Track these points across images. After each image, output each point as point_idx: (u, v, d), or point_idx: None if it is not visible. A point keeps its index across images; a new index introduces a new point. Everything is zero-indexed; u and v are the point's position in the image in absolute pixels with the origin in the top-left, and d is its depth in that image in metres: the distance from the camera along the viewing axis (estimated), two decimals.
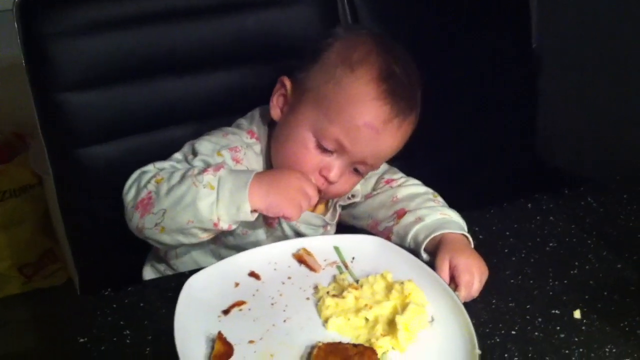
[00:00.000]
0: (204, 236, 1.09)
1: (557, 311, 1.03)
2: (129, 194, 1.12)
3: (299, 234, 1.22)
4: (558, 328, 1.00)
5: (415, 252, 1.13)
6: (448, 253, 1.08)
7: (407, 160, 1.66)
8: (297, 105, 1.15)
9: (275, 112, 1.19)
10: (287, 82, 1.18)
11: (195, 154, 1.16)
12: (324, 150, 1.13)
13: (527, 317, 1.02)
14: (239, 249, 1.14)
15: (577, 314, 1.02)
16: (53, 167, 1.32)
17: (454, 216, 1.17)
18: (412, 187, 1.24)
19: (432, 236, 1.12)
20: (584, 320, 1.01)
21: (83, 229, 1.37)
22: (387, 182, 1.27)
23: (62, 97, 1.26)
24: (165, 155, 1.18)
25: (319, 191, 1.14)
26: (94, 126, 1.30)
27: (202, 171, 1.06)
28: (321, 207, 1.26)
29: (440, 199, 1.23)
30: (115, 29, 1.28)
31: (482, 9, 1.84)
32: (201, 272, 1.04)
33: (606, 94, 2.18)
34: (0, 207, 2.34)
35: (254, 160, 1.20)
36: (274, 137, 1.20)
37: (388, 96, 1.10)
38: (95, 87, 1.28)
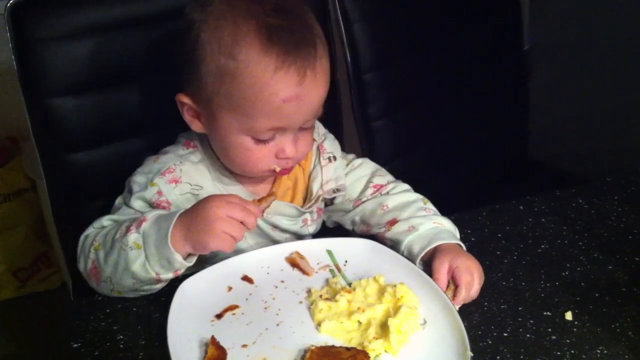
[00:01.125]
0: (159, 286, 1.07)
1: (548, 313, 1.03)
2: (80, 264, 1.10)
3: (275, 226, 1.21)
4: (550, 330, 1.00)
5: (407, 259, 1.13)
6: (446, 257, 1.08)
7: (398, 161, 1.69)
8: (211, 114, 1.10)
9: (196, 125, 1.14)
10: (185, 99, 1.12)
11: (131, 192, 1.14)
12: (265, 141, 1.10)
13: (519, 319, 1.02)
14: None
15: (568, 316, 1.03)
16: (45, 171, 1.32)
17: (446, 224, 1.17)
18: (402, 195, 1.23)
19: (427, 249, 1.11)
20: (575, 322, 1.01)
21: (76, 233, 1.37)
22: (376, 187, 1.26)
23: (54, 102, 1.26)
24: None
25: (289, 169, 1.14)
26: (86, 130, 1.30)
27: (127, 231, 1.03)
28: (299, 198, 1.25)
29: (430, 205, 1.22)
30: (106, 34, 1.28)
31: (473, 10, 1.85)
32: (194, 276, 1.05)
33: (598, 96, 2.20)
34: None
35: (193, 171, 1.16)
36: (215, 148, 1.16)
37: (285, 58, 1.02)
38: (87, 91, 1.28)
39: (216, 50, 1.04)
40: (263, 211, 1.07)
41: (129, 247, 1.02)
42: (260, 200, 1.08)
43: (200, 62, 1.06)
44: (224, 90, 1.06)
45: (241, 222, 1.01)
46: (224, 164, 1.17)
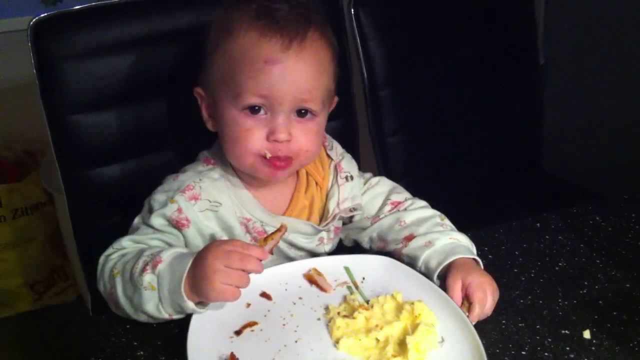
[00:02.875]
0: (172, 318, 1.05)
1: (566, 331, 1.03)
2: (100, 286, 1.11)
3: (291, 244, 1.21)
4: (568, 348, 1.00)
5: (425, 274, 1.14)
6: (460, 273, 1.09)
7: (413, 176, 1.69)
8: (214, 101, 1.15)
9: (209, 123, 1.19)
10: (199, 90, 1.18)
11: (151, 211, 1.14)
12: (255, 113, 1.10)
13: (537, 337, 1.02)
14: None
15: (586, 334, 1.02)
16: (66, 185, 1.33)
17: (463, 240, 1.17)
18: (419, 211, 1.24)
19: (445, 264, 1.11)
20: (594, 341, 1.01)
21: (95, 247, 1.38)
22: (394, 204, 1.26)
23: (74, 118, 1.28)
24: None
25: (289, 159, 1.12)
26: (106, 146, 1.31)
27: (142, 270, 1.03)
28: (315, 216, 1.25)
29: (448, 222, 1.22)
30: (126, 51, 1.29)
31: (487, 26, 1.86)
32: None
33: (613, 110, 2.19)
34: (12, 224, 2.36)
35: (212, 188, 1.16)
36: (221, 141, 1.17)
37: (271, 28, 1.08)
38: (107, 107, 1.30)
39: (219, 34, 1.12)
40: (271, 250, 1.04)
41: (144, 287, 1.02)
42: (266, 239, 1.05)
43: (208, 51, 1.14)
44: (220, 66, 1.11)
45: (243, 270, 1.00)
46: (227, 158, 1.17)
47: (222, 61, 1.11)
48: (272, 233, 1.06)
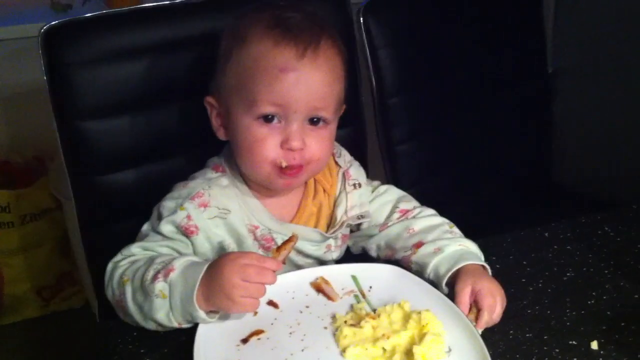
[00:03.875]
0: (181, 327, 1.05)
1: (574, 342, 1.03)
2: (108, 293, 1.11)
3: (299, 251, 1.21)
4: (575, 359, 0.99)
5: (433, 282, 1.14)
6: (470, 278, 1.09)
7: (422, 184, 1.69)
8: (226, 108, 1.15)
9: (220, 132, 1.18)
10: (210, 99, 1.18)
11: (160, 218, 1.15)
12: (268, 121, 1.10)
13: (545, 347, 1.02)
14: None
15: (594, 345, 1.02)
16: (75, 192, 1.33)
17: (471, 247, 1.17)
18: (428, 219, 1.24)
19: (454, 270, 1.11)
20: (601, 352, 1.01)
21: (103, 253, 1.38)
22: (402, 212, 1.26)
23: (84, 125, 1.28)
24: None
25: (300, 166, 1.12)
26: (116, 153, 1.32)
27: (154, 278, 1.03)
28: (323, 223, 1.25)
29: (456, 229, 1.22)
30: (136, 58, 1.30)
31: (497, 36, 1.86)
32: None
33: (622, 120, 2.19)
34: (21, 230, 2.36)
35: (220, 195, 1.16)
36: (234, 150, 1.17)
37: (285, 36, 1.08)
38: (117, 114, 1.30)
39: (232, 43, 1.12)
40: (283, 260, 1.05)
41: (155, 295, 1.02)
42: (279, 249, 1.05)
43: (220, 61, 1.14)
44: (235, 76, 1.11)
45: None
46: (241, 168, 1.17)
47: (235, 70, 1.12)
48: (284, 243, 1.06)
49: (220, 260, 1.02)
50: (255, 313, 1.06)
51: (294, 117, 1.10)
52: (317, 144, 1.13)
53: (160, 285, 1.02)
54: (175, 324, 1.03)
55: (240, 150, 1.14)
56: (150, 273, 1.04)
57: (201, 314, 1.00)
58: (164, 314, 1.02)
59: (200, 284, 1.00)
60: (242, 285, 0.99)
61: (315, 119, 1.12)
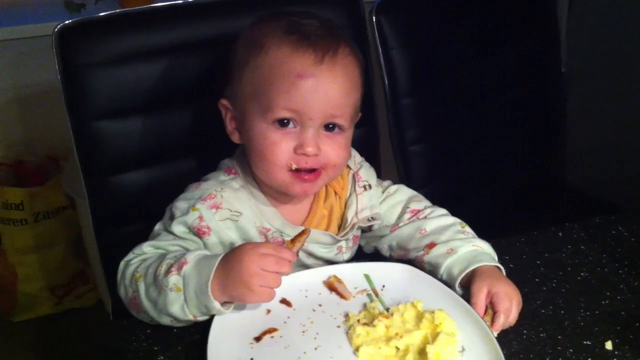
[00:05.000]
0: (196, 320, 1.06)
1: (588, 342, 1.03)
2: (120, 291, 1.11)
3: (310, 254, 1.21)
4: (589, 359, 0.99)
5: (446, 283, 1.13)
6: (485, 281, 1.08)
7: (434, 184, 1.69)
8: (243, 115, 1.15)
9: (234, 136, 1.19)
10: (225, 102, 1.18)
11: (172, 218, 1.15)
12: (284, 126, 1.10)
13: (558, 347, 1.02)
14: None
15: (608, 345, 1.02)
16: (89, 191, 1.34)
17: (485, 247, 1.17)
18: (440, 219, 1.23)
19: (467, 271, 1.11)
20: (616, 352, 1.00)
21: (116, 252, 1.39)
22: (413, 212, 1.26)
23: (98, 125, 1.29)
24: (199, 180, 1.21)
25: (315, 171, 1.12)
26: (129, 153, 1.32)
27: (167, 272, 1.03)
28: (334, 226, 1.25)
29: (468, 229, 1.22)
30: (150, 59, 1.31)
31: (510, 36, 1.85)
32: None
33: (637, 122, 2.17)
34: (34, 228, 2.38)
35: (233, 197, 1.16)
36: (248, 155, 1.17)
37: (303, 43, 1.08)
38: (131, 115, 1.31)
39: (249, 49, 1.12)
40: (297, 252, 1.06)
41: (169, 289, 1.02)
42: (293, 241, 1.07)
43: (237, 66, 1.14)
44: (251, 81, 1.12)
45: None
46: (255, 172, 1.17)
47: (252, 76, 1.12)
48: (297, 236, 1.07)
49: (237, 249, 1.03)
50: (268, 311, 1.06)
51: (309, 123, 1.10)
52: (333, 150, 1.13)
53: (174, 279, 1.02)
54: (190, 317, 1.03)
55: (255, 155, 1.14)
56: (163, 267, 1.04)
57: (216, 304, 1.01)
58: (179, 307, 1.03)
59: (215, 274, 1.01)
60: (261, 274, 1.00)
61: (331, 125, 1.12)
